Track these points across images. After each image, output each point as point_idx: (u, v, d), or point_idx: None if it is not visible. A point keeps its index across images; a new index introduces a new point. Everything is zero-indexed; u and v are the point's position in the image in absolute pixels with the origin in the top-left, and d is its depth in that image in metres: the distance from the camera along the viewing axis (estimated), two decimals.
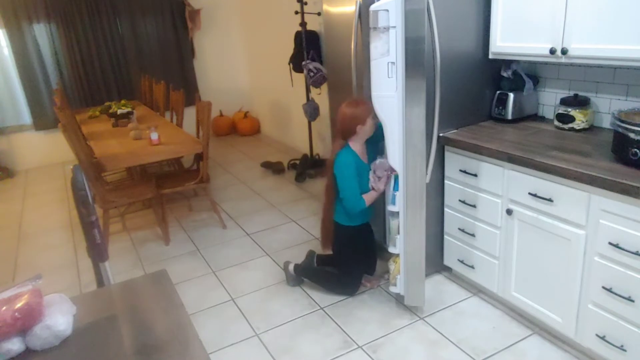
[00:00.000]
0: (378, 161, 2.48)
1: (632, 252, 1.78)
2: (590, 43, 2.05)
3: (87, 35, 5.93)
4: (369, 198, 2.52)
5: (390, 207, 2.41)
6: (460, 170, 2.50)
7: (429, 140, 2.40)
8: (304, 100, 4.70)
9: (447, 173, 2.60)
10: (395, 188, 2.36)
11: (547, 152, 2.13)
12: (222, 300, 2.85)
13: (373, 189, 2.52)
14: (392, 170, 2.37)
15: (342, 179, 2.47)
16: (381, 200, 3.03)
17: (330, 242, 2.72)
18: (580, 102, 2.38)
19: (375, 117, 2.37)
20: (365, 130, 2.45)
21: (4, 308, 1.12)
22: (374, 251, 2.86)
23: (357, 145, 2.50)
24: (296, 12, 4.43)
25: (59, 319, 1.16)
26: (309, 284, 2.90)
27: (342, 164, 2.46)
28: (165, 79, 5.55)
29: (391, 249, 2.48)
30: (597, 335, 2.00)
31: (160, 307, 1.30)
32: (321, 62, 4.40)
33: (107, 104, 5.20)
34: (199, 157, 4.00)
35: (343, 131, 2.48)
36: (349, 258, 2.72)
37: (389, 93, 2.19)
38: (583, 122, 2.36)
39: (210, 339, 2.51)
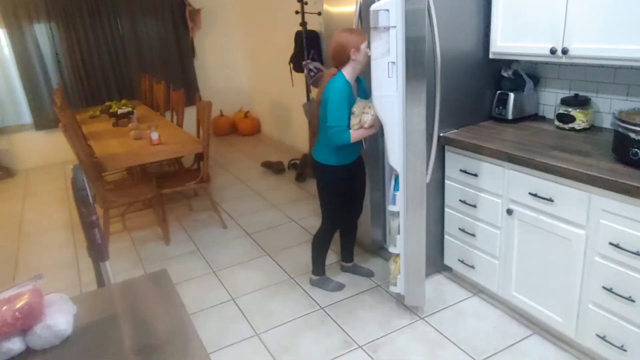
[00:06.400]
0: (358, 100, 2.38)
1: (633, 252, 1.78)
2: (590, 43, 2.04)
3: (87, 35, 5.93)
4: (355, 135, 2.36)
5: (390, 207, 2.41)
6: (461, 170, 2.50)
7: (429, 140, 2.40)
8: (304, 100, 4.70)
9: (447, 173, 2.60)
10: (396, 188, 2.36)
11: (548, 152, 2.13)
12: (222, 300, 2.85)
13: (362, 127, 2.38)
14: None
15: (332, 104, 2.31)
16: (381, 200, 3.04)
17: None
18: (580, 102, 2.38)
19: (368, 45, 2.28)
20: (359, 58, 2.33)
21: (5, 308, 1.12)
22: (361, 194, 2.75)
23: (349, 77, 2.38)
24: (296, 12, 4.43)
25: (60, 319, 1.16)
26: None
27: (335, 89, 2.32)
28: (165, 79, 5.54)
29: (391, 249, 2.48)
30: (597, 335, 2.00)
31: (161, 306, 1.30)
32: (321, 62, 4.39)
33: (107, 103, 5.19)
34: (199, 157, 4.00)
35: (335, 57, 2.37)
36: (330, 200, 2.62)
37: (389, 93, 2.19)
38: (583, 122, 2.36)
39: (210, 339, 2.51)
